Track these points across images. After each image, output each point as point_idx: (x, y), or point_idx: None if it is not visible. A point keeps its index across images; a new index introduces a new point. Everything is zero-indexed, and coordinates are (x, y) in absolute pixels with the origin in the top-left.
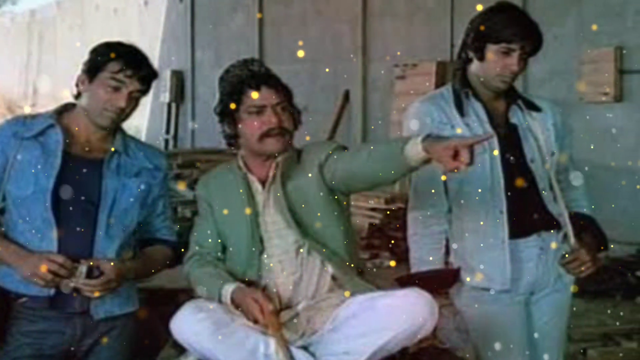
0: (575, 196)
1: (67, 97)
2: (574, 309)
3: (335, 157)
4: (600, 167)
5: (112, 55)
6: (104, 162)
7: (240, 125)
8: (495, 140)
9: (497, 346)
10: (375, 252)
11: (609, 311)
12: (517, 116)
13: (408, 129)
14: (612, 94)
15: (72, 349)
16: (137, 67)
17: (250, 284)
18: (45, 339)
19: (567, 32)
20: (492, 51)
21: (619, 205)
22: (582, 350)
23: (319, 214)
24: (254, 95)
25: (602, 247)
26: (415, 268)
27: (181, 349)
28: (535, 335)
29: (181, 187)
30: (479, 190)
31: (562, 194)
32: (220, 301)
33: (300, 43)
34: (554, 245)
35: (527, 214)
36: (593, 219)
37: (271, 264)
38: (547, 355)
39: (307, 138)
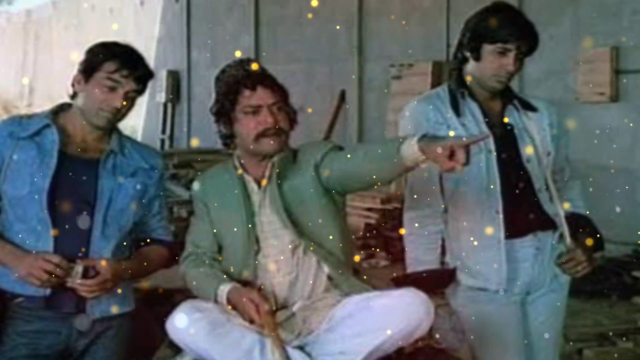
0: (572, 196)
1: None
2: (570, 308)
3: (331, 157)
4: (597, 167)
5: (108, 55)
6: (100, 162)
7: (236, 125)
8: (491, 140)
9: (493, 346)
10: (371, 252)
11: (605, 311)
12: (513, 116)
13: (404, 128)
14: (608, 94)
15: (68, 348)
16: (133, 67)
17: (246, 284)
18: (41, 339)
19: (563, 32)
20: (488, 51)
21: (615, 205)
22: (578, 350)
23: (314, 214)
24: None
25: (598, 247)
26: (411, 268)
27: (177, 349)
28: (531, 335)
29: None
30: (475, 190)
31: (558, 194)
32: (216, 301)
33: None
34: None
35: (523, 214)
36: (589, 219)
37: (267, 264)
38: (543, 355)
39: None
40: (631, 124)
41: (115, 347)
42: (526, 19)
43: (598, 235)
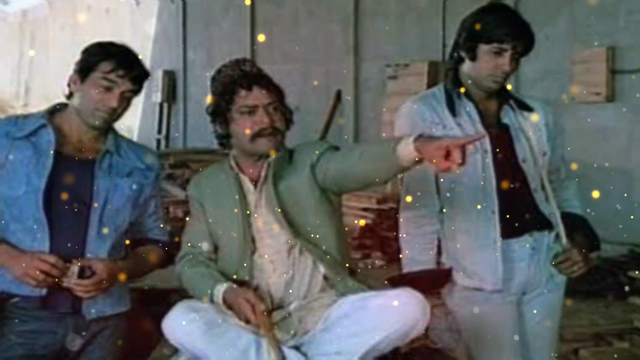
0: (567, 196)
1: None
2: (566, 308)
3: (327, 157)
4: (592, 167)
5: (104, 55)
6: (96, 162)
7: (232, 125)
8: (487, 140)
9: (489, 346)
10: (367, 252)
11: (601, 311)
12: (508, 116)
13: (400, 128)
14: (604, 94)
15: (64, 348)
16: (129, 67)
17: (242, 284)
18: (37, 339)
19: (559, 32)
20: (484, 51)
21: (611, 205)
22: (574, 350)
23: (310, 214)
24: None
25: (594, 247)
26: (407, 268)
27: (173, 349)
28: (527, 335)
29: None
30: (471, 190)
31: (554, 194)
32: (212, 301)
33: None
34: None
35: (519, 214)
36: (585, 219)
37: (263, 264)
38: (539, 356)
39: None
40: (627, 124)
41: (111, 347)
42: (522, 19)
43: (594, 235)
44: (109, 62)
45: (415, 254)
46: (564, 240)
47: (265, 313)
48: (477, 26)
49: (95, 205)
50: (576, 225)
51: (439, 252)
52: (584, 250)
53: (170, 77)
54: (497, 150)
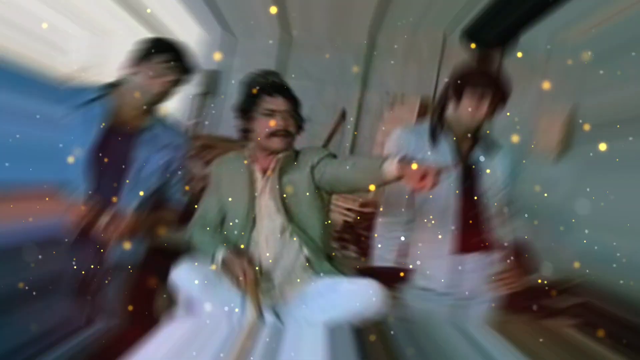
0: (517, 225)
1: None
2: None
3: (325, 162)
4: (543, 203)
5: (158, 47)
6: (136, 135)
7: (253, 123)
8: (457, 171)
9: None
10: (344, 245)
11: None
12: (478, 153)
13: (389, 149)
14: (560, 147)
15: (85, 282)
16: (179, 60)
17: (239, 253)
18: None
19: (531, 92)
20: (466, 98)
21: (554, 235)
22: None
23: (304, 205)
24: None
25: (533, 270)
26: (375, 263)
27: (172, 302)
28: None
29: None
30: (437, 209)
31: (506, 222)
32: (213, 261)
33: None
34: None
35: (473, 234)
36: (529, 245)
37: (259, 240)
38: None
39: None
40: (577, 172)
41: (123, 290)
42: (503, 73)
43: (535, 259)
44: (163, 54)
45: (383, 253)
46: (507, 261)
47: (253, 280)
48: (464, 74)
49: (132, 169)
50: (521, 249)
51: (405, 255)
52: (523, 271)
53: (213, 75)
54: (464, 180)
